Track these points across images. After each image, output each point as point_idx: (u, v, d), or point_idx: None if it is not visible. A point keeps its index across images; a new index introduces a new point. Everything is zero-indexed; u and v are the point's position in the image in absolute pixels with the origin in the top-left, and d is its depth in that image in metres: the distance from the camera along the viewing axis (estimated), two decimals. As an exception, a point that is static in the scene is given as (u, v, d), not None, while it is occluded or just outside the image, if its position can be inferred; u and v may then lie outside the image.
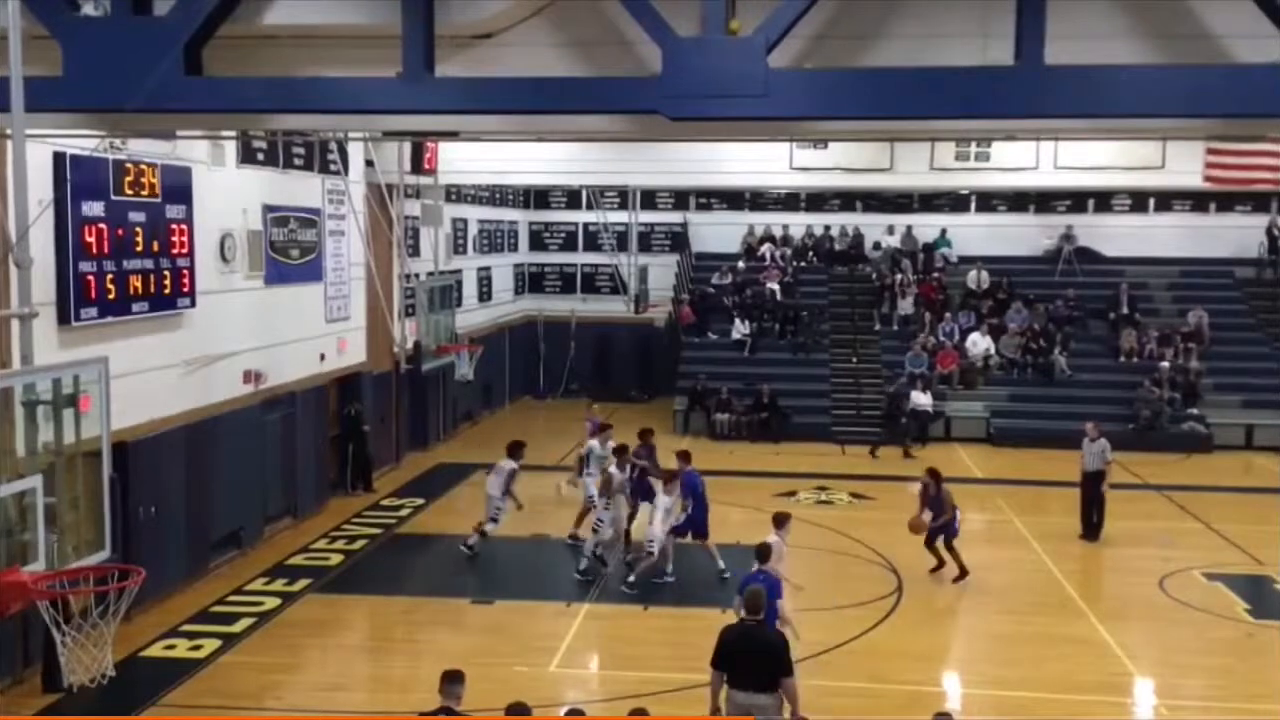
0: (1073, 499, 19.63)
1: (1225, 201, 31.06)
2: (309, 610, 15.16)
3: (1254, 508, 20.80)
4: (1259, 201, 30.91)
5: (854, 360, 29.66)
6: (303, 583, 16.14)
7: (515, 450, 17.78)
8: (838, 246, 33.10)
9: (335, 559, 17.42)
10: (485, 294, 30.75)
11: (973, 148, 23.24)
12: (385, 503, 20.87)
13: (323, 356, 20.10)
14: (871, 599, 15.60)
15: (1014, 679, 12.96)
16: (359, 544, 18.22)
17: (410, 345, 23.72)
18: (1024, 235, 32.42)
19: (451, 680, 8.93)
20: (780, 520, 13.48)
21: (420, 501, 20.84)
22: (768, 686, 9.55)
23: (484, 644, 13.84)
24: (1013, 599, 15.91)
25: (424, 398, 25.22)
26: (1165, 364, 27.81)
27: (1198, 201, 31.37)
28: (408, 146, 22.43)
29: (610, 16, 8.85)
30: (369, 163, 21.91)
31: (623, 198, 33.49)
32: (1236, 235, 31.30)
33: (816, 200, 33.33)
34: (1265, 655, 13.96)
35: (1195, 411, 27.00)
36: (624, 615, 14.82)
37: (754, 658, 9.54)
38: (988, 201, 32.59)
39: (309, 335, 19.60)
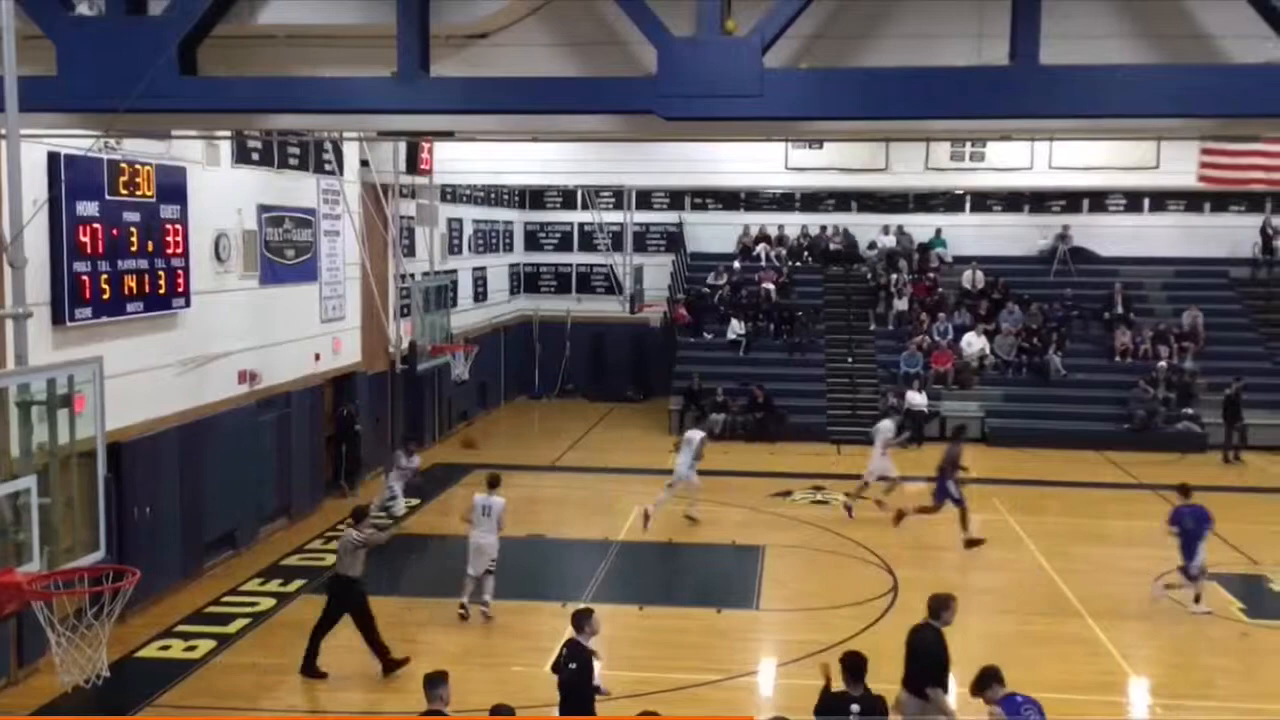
0: (1067, 498, 19.70)
1: (1219, 201, 31.09)
2: (304, 610, 15.11)
3: (1249, 507, 20.82)
4: (1253, 201, 30.94)
5: (849, 360, 29.67)
6: (297, 583, 16.12)
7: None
8: (833, 246, 33.11)
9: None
10: (481, 294, 30.73)
11: (968, 148, 23.25)
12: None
13: (318, 356, 20.08)
14: (867, 599, 15.60)
15: (1009, 679, 12.83)
16: (354, 544, 18.16)
17: (405, 345, 23.69)
18: (1019, 235, 32.45)
19: (433, 683, 8.99)
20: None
21: (415, 502, 20.80)
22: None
23: (481, 644, 13.84)
24: (1008, 599, 15.92)
25: (419, 398, 25.20)
26: (1161, 364, 27.85)
27: (1192, 201, 31.41)
28: (403, 146, 22.41)
29: (605, 16, 8.85)
30: (364, 163, 21.89)
31: (618, 197, 33.45)
32: (1231, 235, 31.33)
33: (811, 200, 33.34)
34: (1260, 654, 13.99)
35: (1190, 411, 27.03)
36: (620, 615, 14.79)
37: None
38: (983, 201, 32.60)
39: (304, 335, 19.58)
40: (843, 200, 33.18)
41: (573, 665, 9.73)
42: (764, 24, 7.85)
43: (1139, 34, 8.80)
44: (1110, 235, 31.91)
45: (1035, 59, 7.84)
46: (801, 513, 20.31)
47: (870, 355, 29.82)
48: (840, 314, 31.21)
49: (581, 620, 10.09)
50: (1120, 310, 29.95)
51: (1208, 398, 27.26)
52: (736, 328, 30.40)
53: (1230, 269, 31.27)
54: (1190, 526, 14.96)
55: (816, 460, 24.61)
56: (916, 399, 27.40)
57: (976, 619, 15.12)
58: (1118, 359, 28.78)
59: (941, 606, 9.82)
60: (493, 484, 15.07)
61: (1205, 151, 23.02)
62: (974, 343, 29.21)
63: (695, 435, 19.85)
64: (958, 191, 31.63)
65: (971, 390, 28.33)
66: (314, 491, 20.15)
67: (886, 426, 20.70)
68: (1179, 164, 22.97)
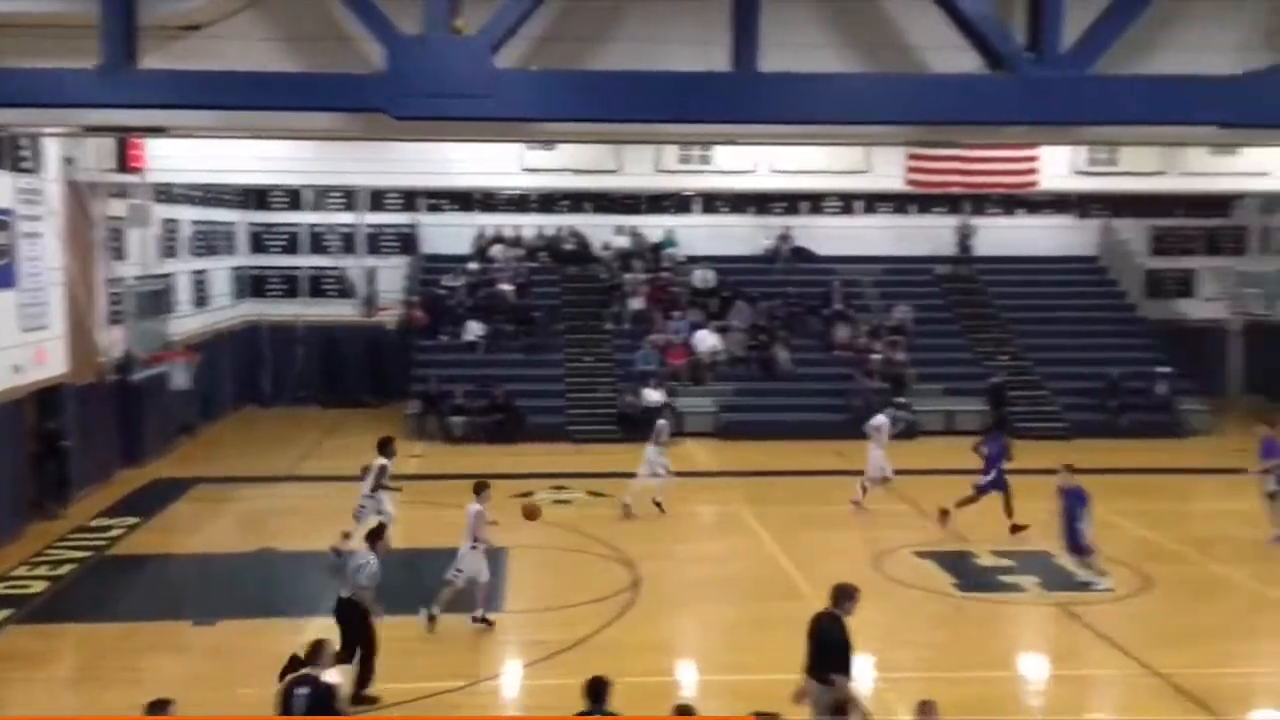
0: (795, 487, 20.64)
1: (924, 203, 33.28)
2: (10, 643, 13.96)
3: (956, 489, 22.29)
4: (954, 203, 33.31)
5: (588, 360, 30.01)
6: (1, 614, 14.84)
7: None
8: (568, 247, 33.39)
9: (38, 586, 16.10)
10: (202, 299, 29.25)
11: (695, 151, 23.95)
12: (94, 523, 19.46)
13: (17, 369, 18.55)
14: (607, 595, 15.79)
15: (746, 664, 13.43)
16: (65, 569, 16.91)
17: (118, 354, 22.24)
18: (745, 235, 33.69)
19: (155, 711, 8.46)
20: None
21: (134, 521, 19.56)
22: None
23: (208, 667, 13.16)
24: (743, 587, 16.49)
25: (136, 410, 23.67)
26: (876, 356, 29.56)
27: (900, 203, 33.47)
28: (111, 143, 21.04)
29: (331, 11, 8.60)
30: (68, 160, 20.40)
31: (349, 198, 32.62)
32: (935, 235, 33.58)
33: (547, 201, 33.49)
34: (973, 626, 15.05)
35: (903, 400, 28.80)
36: (359, 627, 14.41)
37: None
38: (711, 203, 33.67)
39: (1, 345, 18.04)
40: (577, 201, 33.50)
41: (310, 696, 9.17)
42: (493, 24, 7.80)
43: (851, 44, 9.28)
44: (827, 235, 33.57)
45: (755, 66, 8.13)
46: (544, 513, 20.33)
47: (608, 354, 30.26)
48: (578, 314, 31.52)
49: (315, 653, 9.51)
50: (839, 306, 31.60)
51: (919, 387, 29.15)
52: (474, 329, 30.22)
53: (934, 266, 33.53)
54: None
55: (557, 460, 24.75)
56: (653, 396, 28.01)
57: (711, 607, 15.61)
58: (837, 353, 30.36)
59: (845, 596, 10.04)
60: (474, 490, 14.53)
61: (911, 157, 24.59)
62: (706, 340, 30.12)
63: (660, 424, 20.73)
64: (687, 193, 32.54)
65: (705, 386, 29.20)
66: (16, 514, 18.59)
67: (882, 422, 20.93)
68: (888, 168, 24.46)
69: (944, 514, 19.04)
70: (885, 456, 20.73)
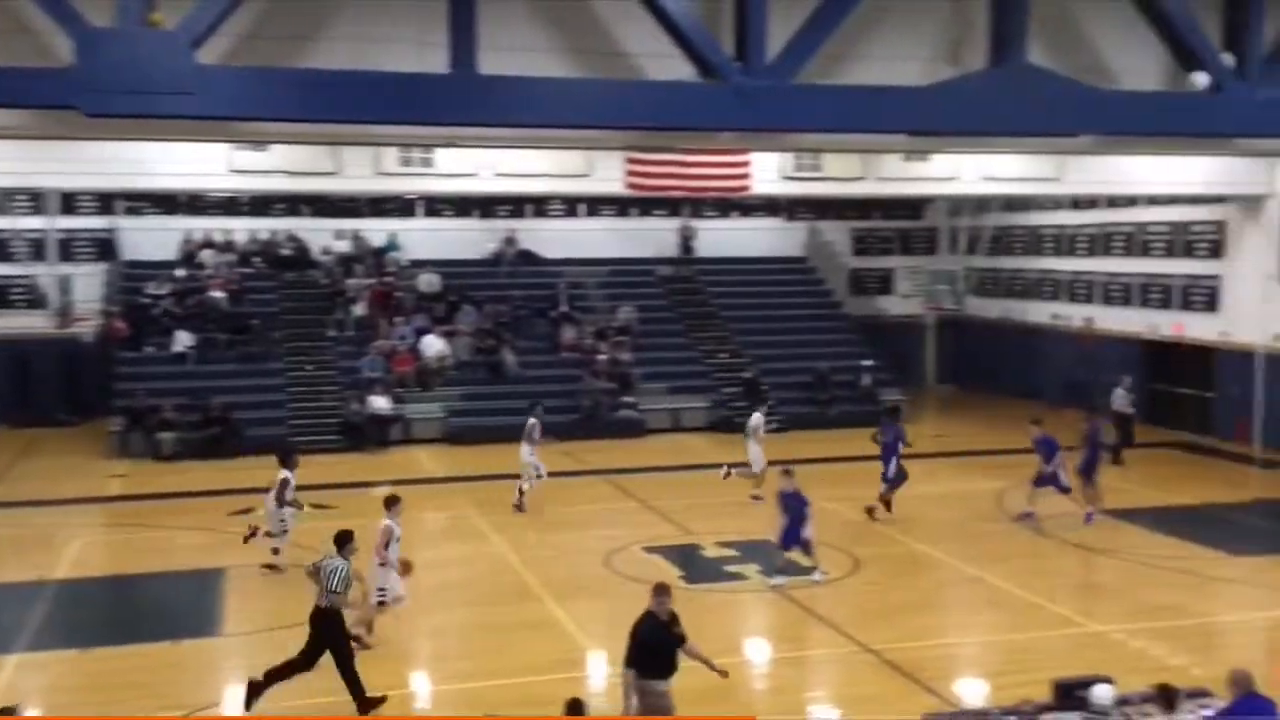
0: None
1: (645, 206, 34.10)
2: None
3: (682, 484, 23.08)
4: (674, 206, 34.30)
5: (309, 368, 29.04)
6: None
7: None
8: (285, 252, 32.19)
9: None
10: None
11: (416, 153, 23.53)
12: None
13: None
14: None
15: (478, 669, 13.36)
16: None
17: None
18: (471, 239, 33.51)
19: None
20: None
21: None
22: None
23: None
24: (474, 591, 16.39)
25: None
26: (602, 357, 30.05)
27: (622, 206, 34.16)
28: None
29: (9, 1, 7.96)
30: None
31: (37, 200, 30.24)
32: (656, 237, 34.51)
33: (261, 204, 32.17)
34: (702, 615, 15.48)
35: (630, 399, 29.42)
36: (59, 662, 13.43)
37: None
38: (434, 206, 33.29)
39: None
40: (293, 204, 32.35)
41: None
42: (193, 18, 7.43)
43: (569, 49, 9.38)
44: (552, 238, 33.87)
45: (473, 68, 8.08)
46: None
47: (331, 362, 29.39)
48: (297, 321, 30.44)
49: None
50: (565, 308, 31.93)
51: (644, 386, 29.82)
52: (184, 339, 28.68)
53: (657, 268, 34.42)
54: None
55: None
56: (380, 403, 27.42)
57: (444, 614, 15.42)
58: (564, 354, 30.66)
59: (654, 594, 10.48)
60: (384, 504, 14.08)
61: (631, 160, 25.04)
62: (434, 345, 29.75)
63: (529, 421, 20.88)
64: (409, 196, 32.03)
65: (433, 391, 28.85)
66: None
67: (757, 419, 21.80)
68: (609, 172, 24.80)
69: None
70: (762, 452, 21.43)
